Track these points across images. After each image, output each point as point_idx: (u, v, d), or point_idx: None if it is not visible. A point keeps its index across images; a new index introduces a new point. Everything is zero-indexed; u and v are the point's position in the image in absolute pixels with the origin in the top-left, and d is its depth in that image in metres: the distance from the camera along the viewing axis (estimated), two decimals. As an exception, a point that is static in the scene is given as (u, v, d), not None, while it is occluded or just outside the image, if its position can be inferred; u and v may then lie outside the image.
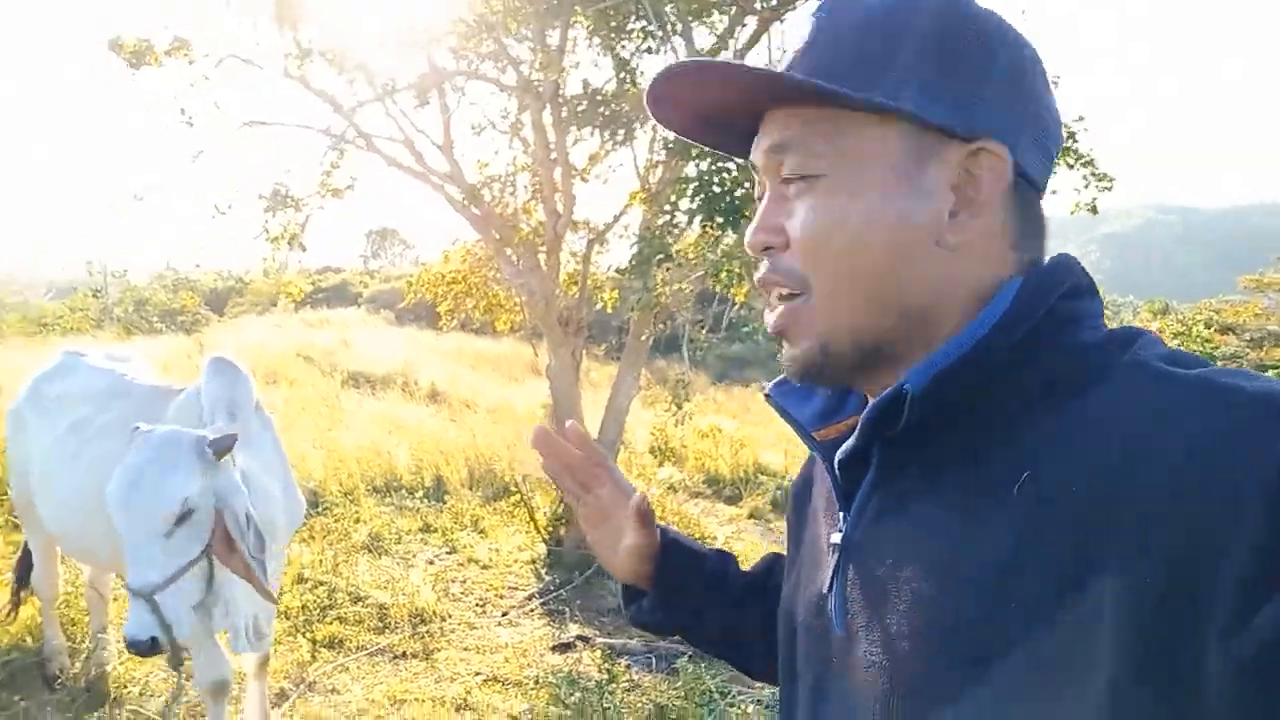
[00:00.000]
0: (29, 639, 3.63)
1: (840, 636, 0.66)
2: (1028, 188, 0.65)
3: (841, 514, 0.69)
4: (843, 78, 0.62)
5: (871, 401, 0.63)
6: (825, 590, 0.70)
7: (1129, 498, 0.49)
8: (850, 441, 0.65)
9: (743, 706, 3.76)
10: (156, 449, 2.40)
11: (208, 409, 2.77)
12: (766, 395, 0.78)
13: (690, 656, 4.44)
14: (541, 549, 6.32)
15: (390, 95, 5.86)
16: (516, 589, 5.75)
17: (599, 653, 4.52)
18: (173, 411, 2.94)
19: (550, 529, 6.36)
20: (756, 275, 0.70)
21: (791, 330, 0.67)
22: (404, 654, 4.30)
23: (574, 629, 5.08)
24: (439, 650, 4.42)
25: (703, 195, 4.11)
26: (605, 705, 3.51)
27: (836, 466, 0.68)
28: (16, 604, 3.68)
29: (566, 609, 5.40)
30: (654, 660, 4.52)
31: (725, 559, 1.01)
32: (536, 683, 3.97)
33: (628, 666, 4.44)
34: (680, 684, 3.86)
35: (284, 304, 25.42)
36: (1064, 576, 0.50)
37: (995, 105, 0.63)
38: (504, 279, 6.31)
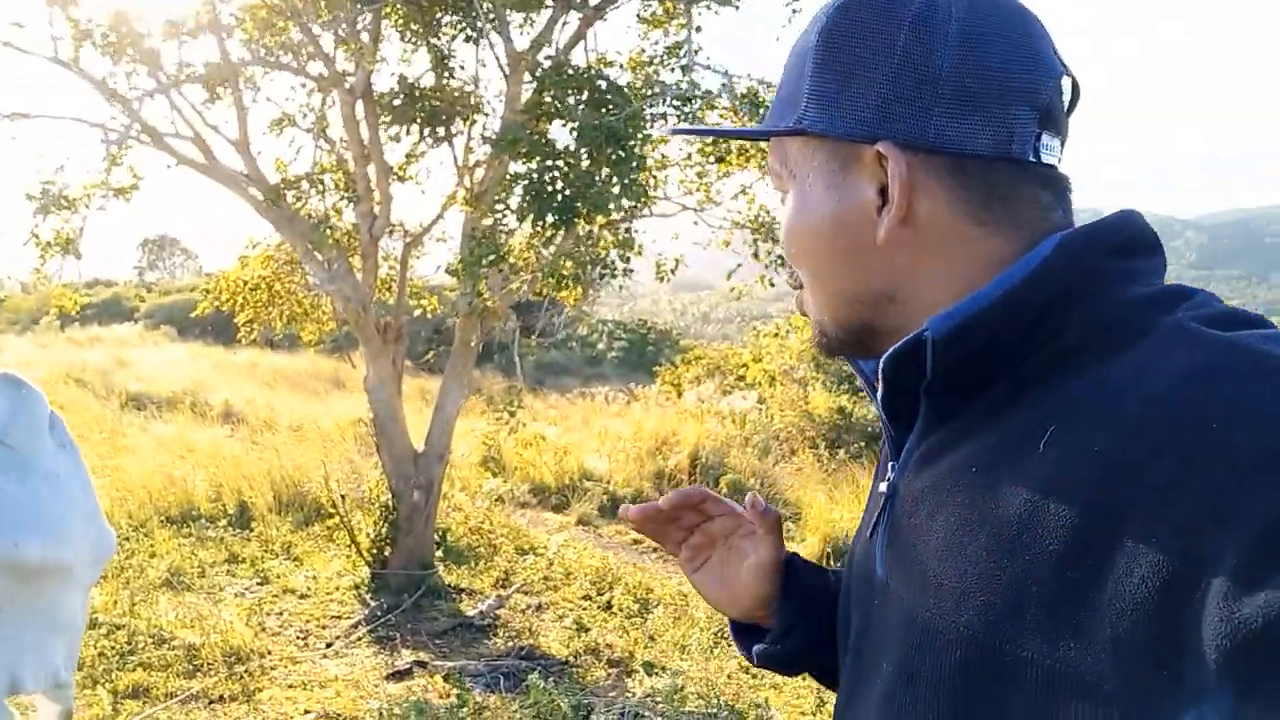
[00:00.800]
0: None
1: (881, 579, 0.69)
2: (978, 162, 0.65)
3: (891, 464, 0.72)
4: (779, 109, 0.73)
5: (892, 348, 0.65)
6: (869, 535, 0.74)
7: (1145, 463, 0.50)
8: (880, 389, 0.68)
9: None
10: None
11: None
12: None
13: (540, 671, 4.29)
14: (365, 573, 5.94)
15: (176, 87, 5.32)
16: (340, 617, 5.37)
17: (439, 677, 4.27)
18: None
19: (373, 551, 5.99)
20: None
21: (804, 313, 0.77)
22: (221, 698, 3.88)
23: (407, 654, 4.78)
24: (260, 690, 4.02)
25: (532, 193, 3.97)
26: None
27: (886, 416, 0.70)
28: None
29: (397, 634, 5.09)
30: (500, 680, 4.32)
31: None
32: (381, 716, 3.68)
33: (471, 688, 4.22)
34: (531, 702, 3.70)
35: (47, 321, 22.87)
36: (1078, 537, 0.51)
37: (892, 99, 0.65)
38: (313, 286, 5.88)
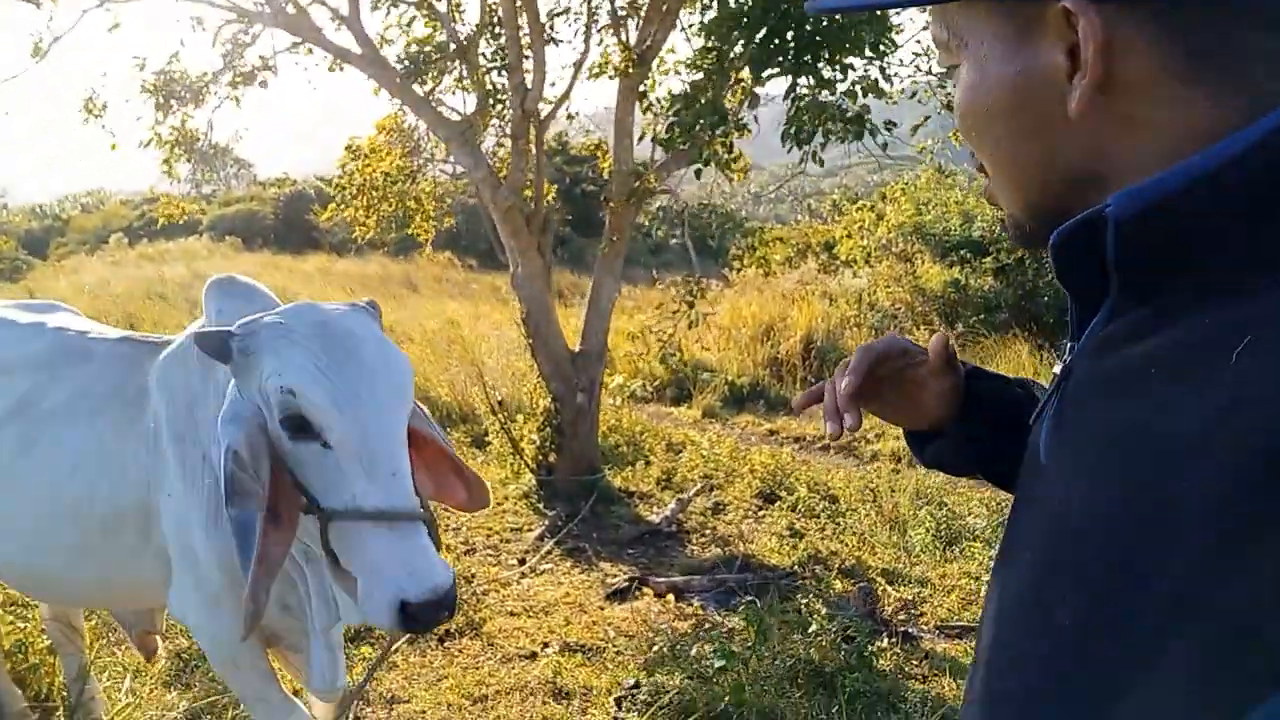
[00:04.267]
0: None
1: (1044, 465, 0.64)
2: (1192, 12, 0.54)
3: (1070, 344, 0.66)
4: None
5: (1065, 223, 0.60)
6: (1036, 416, 0.69)
7: None
8: (1055, 269, 0.63)
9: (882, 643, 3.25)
10: (350, 314, 1.64)
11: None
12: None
13: (772, 586, 3.90)
14: (530, 480, 5.59)
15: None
16: (521, 530, 5.03)
17: (670, 596, 3.90)
18: (160, 374, 2.02)
19: (538, 459, 5.62)
20: None
21: (993, 202, 0.70)
22: (447, 633, 3.54)
23: (607, 568, 4.43)
24: (484, 621, 3.68)
25: (762, 33, 3.28)
26: (754, 667, 2.91)
27: (1068, 291, 0.64)
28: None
29: (586, 545, 4.74)
30: (727, 598, 3.93)
31: (1032, 385, 0.98)
32: (631, 640, 3.31)
33: (701, 607, 3.85)
34: (815, 630, 3.28)
35: (116, 239, 22.75)
36: (1249, 470, 0.45)
37: None
38: (459, 174, 5.32)
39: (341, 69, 5.89)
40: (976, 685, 0.64)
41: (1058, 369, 0.67)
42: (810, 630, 3.22)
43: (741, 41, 3.40)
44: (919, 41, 4.81)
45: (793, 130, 3.81)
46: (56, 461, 2.02)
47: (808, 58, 3.25)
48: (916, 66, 5.12)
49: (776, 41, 3.29)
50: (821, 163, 4.14)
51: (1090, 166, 0.60)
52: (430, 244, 7.43)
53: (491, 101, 5.19)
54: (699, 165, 4.08)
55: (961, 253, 11.95)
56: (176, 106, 4.57)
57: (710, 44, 3.82)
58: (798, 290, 12.85)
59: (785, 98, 3.80)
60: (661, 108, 5.00)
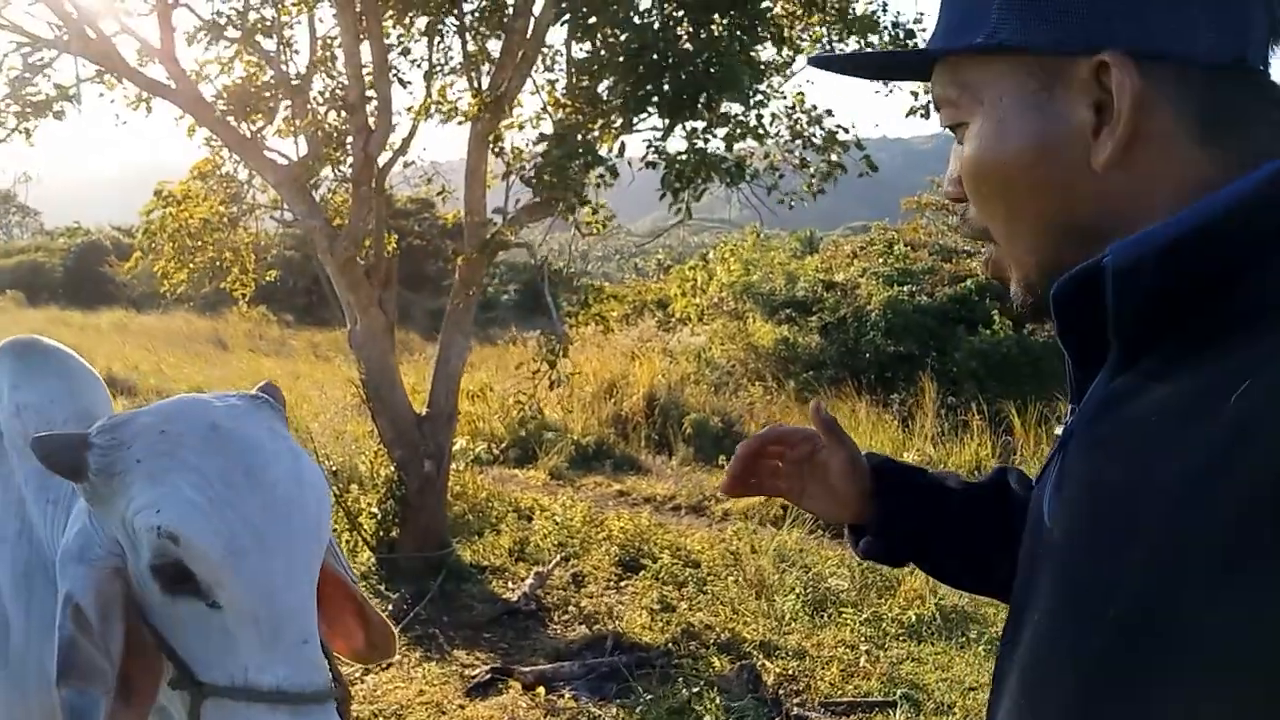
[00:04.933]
0: None
1: (1046, 526, 0.65)
2: (1207, 74, 0.59)
3: (1072, 405, 0.67)
4: (957, 29, 0.66)
5: (1065, 276, 0.61)
6: (1039, 479, 0.70)
7: None
8: (1054, 325, 0.63)
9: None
10: (252, 414, 1.21)
11: (34, 431, 1.47)
12: None
13: (645, 668, 3.62)
14: (369, 560, 5.07)
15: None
16: (361, 616, 4.50)
17: (540, 689, 3.53)
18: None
19: (378, 534, 5.12)
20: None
21: (999, 273, 0.70)
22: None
23: (463, 656, 4.01)
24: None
25: (635, 76, 3.08)
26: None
27: (1066, 351, 0.66)
28: None
29: (436, 630, 4.30)
30: (601, 685, 3.61)
31: (947, 475, 1.01)
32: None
33: (574, 698, 3.51)
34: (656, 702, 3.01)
35: None
36: (1254, 501, 0.47)
37: (1106, 5, 0.59)
38: (291, 222, 4.85)
39: (149, 108, 5.31)
40: None
41: (1059, 431, 0.68)
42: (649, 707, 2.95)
43: (615, 80, 3.22)
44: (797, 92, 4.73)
45: (672, 177, 3.64)
46: None
47: (684, 98, 3.10)
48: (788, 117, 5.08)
49: (650, 85, 3.13)
50: (690, 214, 4.01)
51: (1108, 222, 0.61)
52: (246, 299, 6.79)
53: (327, 144, 4.78)
54: (562, 214, 3.84)
55: (788, 311, 12.38)
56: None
57: (580, 83, 3.61)
58: (637, 347, 12.84)
59: (662, 139, 3.64)
60: (515, 155, 4.75)
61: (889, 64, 1.05)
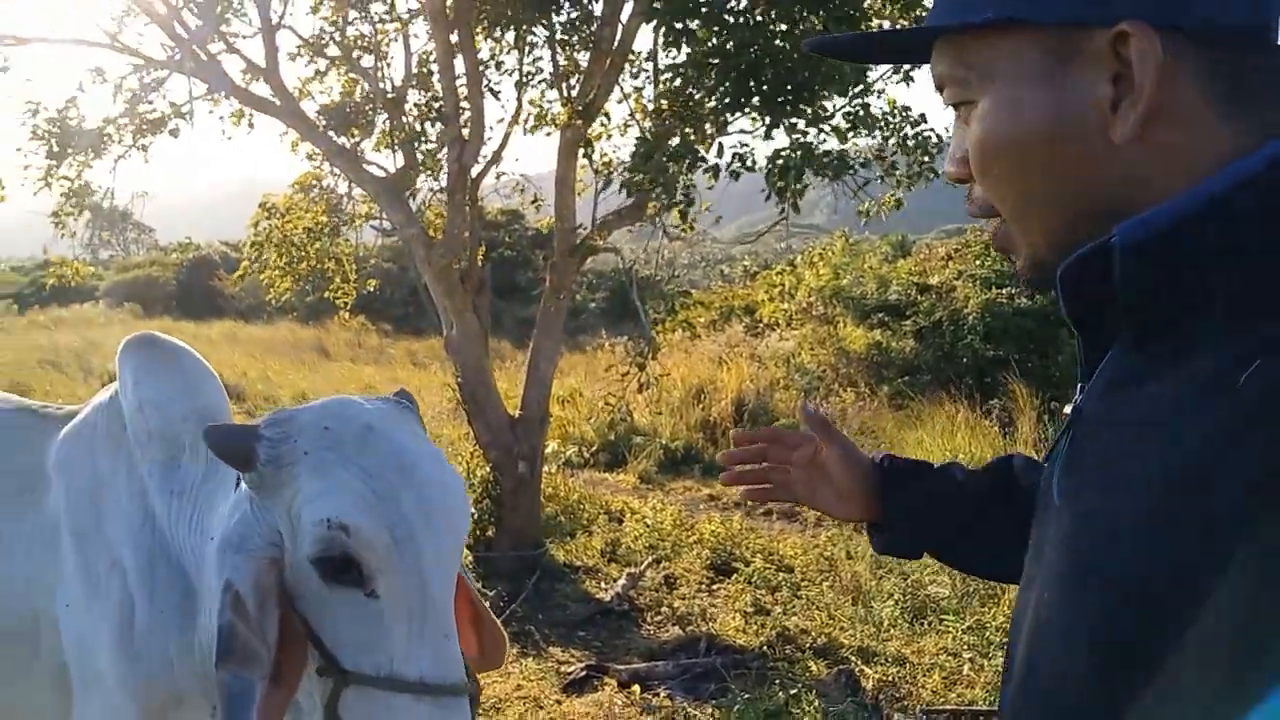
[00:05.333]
0: None
1: (1055, 504, 0.65)
2: (1228, 43, 0.57)
3: (1081, 384, 0.67)
4: (963, 4, 0.63)
5: (1072, 255, 0.60)
6: (1047, 456, 0.70)
7: None
8: (1061, 303, 0.63)
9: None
10: (397, 416, 1.26)
11: (155, 426, 1.54)
12: None
13: (741, 669, 3.59)
14: (466, 557, 5.17)
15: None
16: (458, 615, 4.60)
17: (629, 688, 3.54)
18: (60, 454, 1.64)
19: (475, 534, 5.22)
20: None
21: (1006, 249, 0.68)
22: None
23: (559, 653, 4.05)
24: None
25: (731, 76, 3.07)
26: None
27: (1075, 329, 0.65)
28: None
29: (532, 627, 4.36)
30: (696, 685, 3.60)
31: (953, 466, 1.04)
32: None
33: (669, 697, 3.51)
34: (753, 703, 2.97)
35: (5, 305, 21.42)
36: (1262, 485, 0.46)
37: None
38: (389, 231, 5.00)
39: (251, 124, 5.55)
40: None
41: (1068, 409, 0.67)
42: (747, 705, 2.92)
43: (712, 82, 3.21)
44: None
45: (776, 175, 3.61)
46: None
47: (785, 95, 3.07)
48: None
49: (751, 82, 3.12)
50: (798, 209, 3.96)
51: (1124, 196, 0.59)
52: (348, 307, 7.03)
53: (421, 156, 4.92)
54: (653, 216, 3.86)
55: (880, 315, 12.11)
56: (72, 155, 4.15)
57: (676, 87, 3.62)
58: (725, 352, 12.79)
59: (765, 136, 3.61)
60: (604, 162, 4.80)
61: (895, 44, 0.95)
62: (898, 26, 3.98)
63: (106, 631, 1.47)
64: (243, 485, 1.21)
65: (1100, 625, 0.54)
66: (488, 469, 5.17)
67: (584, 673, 3.69)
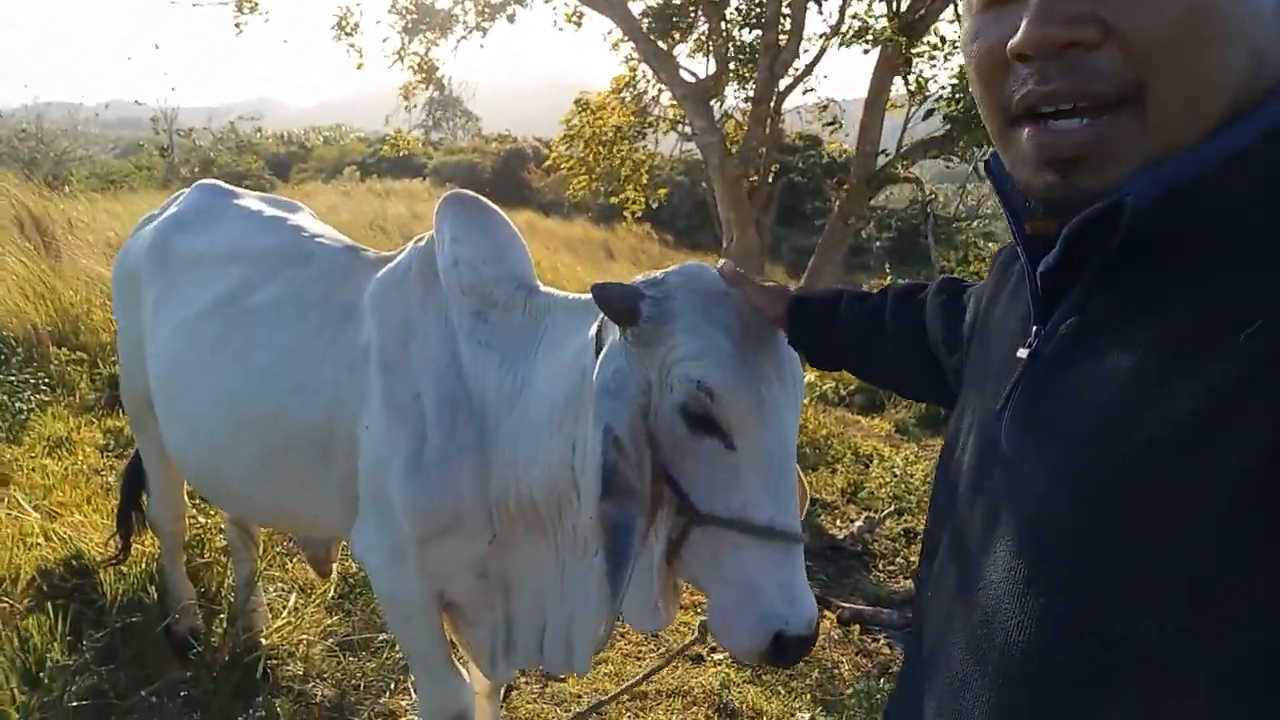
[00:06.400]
0: (148, 592, 2.65)
1: (1005, 454, 0.63)
2: None
3: (1036, 327, 0.63)
4: None
5: (1082, 214, 0.56)
6: (1001, 405, 0.65)
7: None
8: (1052, 255, 0.59)
9: None
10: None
11: (469, 282, 1.68)
12: (986, 164, 0.70)
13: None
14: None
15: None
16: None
17: (850, 626, 3.51)
18: (376, 294, 1.82)
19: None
20: (1031, 88, 0.57)
21: (1096, 157, 0.56)
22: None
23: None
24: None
25: None
26: None
27: (1038, 275, 0.62)
28: (127, 540, 2.69)
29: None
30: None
31: (842, 298, 1.23)
32: (807, 665, 2.98)
33: (889, 645, 3.43)
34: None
35: (349, 172, 24.30)
36: (1263, 454, 0.45)
37: None
38: (691, 137, 5.07)
39: (579, 23, 5.76)
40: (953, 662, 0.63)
41: (1023, 353, 0.64)
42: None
43: None
44: None
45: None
46: (250, 363, 1.88)
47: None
48: None
49: None
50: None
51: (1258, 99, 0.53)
52: (635, 216, 7.26)
53: (733, 65, 4.88)
54: (963, 150, 3.61)
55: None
56: (424, 32, 4.54)
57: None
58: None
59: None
60: (920, 84, 4.53)
61: None
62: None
63: (399, 457, 1.63)
64: (614, 338, 1.31)
65: (1071, 594, 0.53)
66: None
67: (806, 600, 3.69)
